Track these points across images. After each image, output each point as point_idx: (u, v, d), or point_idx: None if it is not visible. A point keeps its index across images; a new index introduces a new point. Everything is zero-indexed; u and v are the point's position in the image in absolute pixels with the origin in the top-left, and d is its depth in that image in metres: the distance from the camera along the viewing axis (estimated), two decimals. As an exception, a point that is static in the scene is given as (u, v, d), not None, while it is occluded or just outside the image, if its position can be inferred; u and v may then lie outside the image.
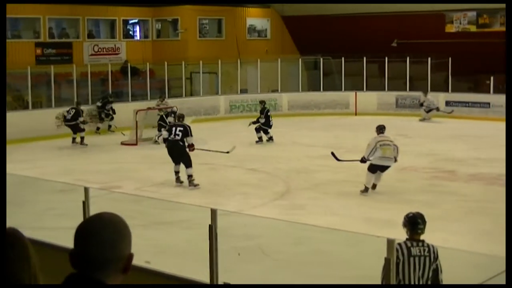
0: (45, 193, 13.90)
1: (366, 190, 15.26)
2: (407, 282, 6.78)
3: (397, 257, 6.60)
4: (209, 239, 6.69)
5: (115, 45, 33.14)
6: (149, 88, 28.74)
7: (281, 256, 10.55)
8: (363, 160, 15.32)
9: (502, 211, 14.23)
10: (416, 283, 6.78)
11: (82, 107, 23.80)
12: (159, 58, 31.88)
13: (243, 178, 17.44)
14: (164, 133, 17.21)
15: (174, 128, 16.53)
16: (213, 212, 6.68)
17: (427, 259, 6.80)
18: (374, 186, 15.43)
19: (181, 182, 16.48)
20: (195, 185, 16.11)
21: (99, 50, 32.40)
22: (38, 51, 30.24)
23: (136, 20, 35.37)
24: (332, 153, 16.78)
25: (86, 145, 22.75)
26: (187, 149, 16.33)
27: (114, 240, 2.51)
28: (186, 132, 16.33)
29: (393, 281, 5.83)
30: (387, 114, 29.05)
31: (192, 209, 12.29)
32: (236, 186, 16.42)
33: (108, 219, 2.56)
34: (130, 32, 35.63)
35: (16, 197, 12.96)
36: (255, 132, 22.81)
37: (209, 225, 6.67)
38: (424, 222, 7.09)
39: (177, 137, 16.23)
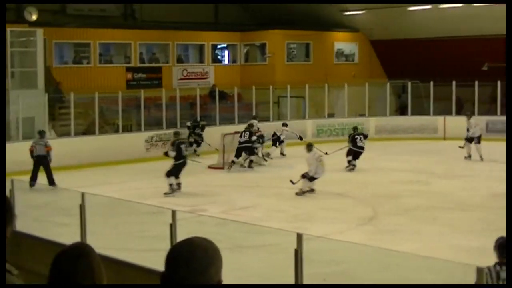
0: (134, 214, 14.13)
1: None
2: None
3: (486, 281, 6.52)
4: (295, 263, 6.65)
5: (203, 69, 33.59)
6: (237, 112, 28.95)
7: (367, 283, 10.42)
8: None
9: None
10: None
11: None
12: (246, 82, 32.12)
13: (329, 203, 17.33)
14: (171, 153, 18.90)
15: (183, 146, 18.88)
16: (299, 237, 6.64)
17: None
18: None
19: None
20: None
21: (188, 74, 32.89)
22: (129, 75, 30.90)
23: (224, 45, 35.79)
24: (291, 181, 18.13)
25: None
26: None
27: (204, 266, 2.51)
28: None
29: None
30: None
31: (277, 233, 12.27)
32: (322, 210, 16.33)
33: (198, 244, 2.56)
34: (218, 57, 36.06)
35: (105, 218, 13.23)
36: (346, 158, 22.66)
37: (295, 250, 6.63)
38: None
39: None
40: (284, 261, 7.51)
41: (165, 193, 18.41)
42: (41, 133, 20.16)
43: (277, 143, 25.92)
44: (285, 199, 17.74)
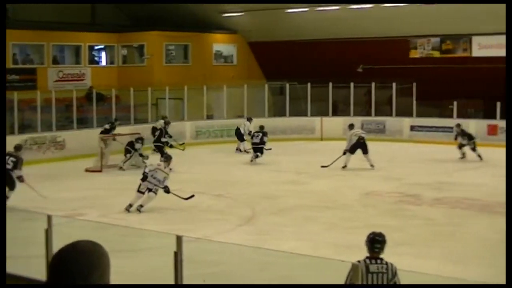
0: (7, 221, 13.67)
1: None
2: None
3: (354, 271, 6.98)
4: (175, 265, 6.63)
5: (80, 71, 32.98)
6: (115, 114, 28.56)
7: (247, 283, 10.46)
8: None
9: (467, 234, 14.37)
10: None
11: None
12: (125, 84, 31.70)
13: (209, 204, 17.34)
14: None
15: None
16: (179, 239, 6.63)
17: (385, 275, 7.16)
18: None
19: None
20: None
21: (64, 76, 32.20)
22: (1, 77, 29.97)
23: (101, 46, 35.25)
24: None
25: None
26: None
27: (86, 271, 2.43)
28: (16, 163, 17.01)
29: None
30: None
31: (157, 236, 12.19)
32: (202, 212, 16.32)
33: (82, 249, 2.48)
34: (96, 58, 35.48)
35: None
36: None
37: (174, 252, 6.61)
38: (383, 241, 7.48)
39: (8, 166, 16.83)
40: (164, 263, 7.47)
41: None
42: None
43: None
44: (164, 201, 17.60)
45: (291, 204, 17.21)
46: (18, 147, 17.55)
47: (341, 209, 16.44)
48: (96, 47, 35.15)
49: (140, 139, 23.14)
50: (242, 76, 34.91)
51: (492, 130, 27.82)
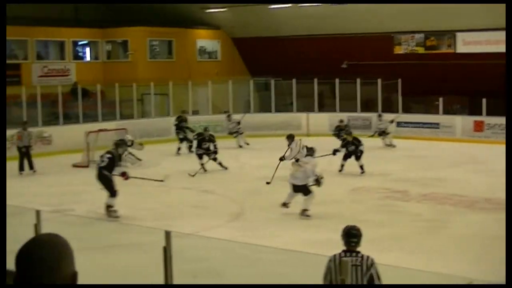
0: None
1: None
2: None
3: (329, 266, 7.17)
4: (164, 261, 6.62)
5: (64, 66, 32.88)
6: (100, 110, 28.50)
7: (235, 279, 10.48)
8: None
9: (454, 230, 14.44)
10: None
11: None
12: (109, 80, 31.65)
13: (196, 200, 17.34)
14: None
15: (101, 156, 16.11)
16: (168, 234, 6.62)
17: (359, 268, 7.14)
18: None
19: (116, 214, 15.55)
20: (116, 217, 15.27)
21: (49, 71, 32.09)
22: (-15, 72, 29.82)
23: (85, 42, 35.13)
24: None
25: None
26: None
27: (55, 262, 2.48)
28: (113, 161, 15.62)
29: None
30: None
31: (146, 231, 12.18)
32: (189, 208, 16.32)
33: (46, 241, 2.53)
34: (80, 54, 35.36)
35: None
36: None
37: (164, 247, 6.61)
38: (359, 235, 7.53)
39: (101, 164, 15.68)
40: (153, 259, 7.46)
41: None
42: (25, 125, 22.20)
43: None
44: (152, 196, 17.60)
45: (278, 200, 17.21)
46: (120, 143, 16.48)
47: (329, 205, 16.45)
48: (80, 43, 35.05)
49: (119, 144, 22.90)
50: (227, 72, 34.91)
51: (478, 126, 27.95)
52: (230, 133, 27.97)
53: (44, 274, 2.46)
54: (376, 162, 22.95)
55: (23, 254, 2.51)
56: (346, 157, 21.06)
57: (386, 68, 31.01)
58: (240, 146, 27.53)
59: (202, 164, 21.16)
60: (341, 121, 26.68)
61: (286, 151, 19.11)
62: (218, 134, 28.35)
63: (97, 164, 15.95)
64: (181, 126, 26.21)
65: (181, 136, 25.91)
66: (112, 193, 15.46)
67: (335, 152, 21.06)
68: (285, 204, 15.54)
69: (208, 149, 21.53)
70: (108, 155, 15.66)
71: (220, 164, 21.44)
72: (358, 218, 14.75)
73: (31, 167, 21.82)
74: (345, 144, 21.23)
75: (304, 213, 15.13)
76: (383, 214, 15.47)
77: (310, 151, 16.25)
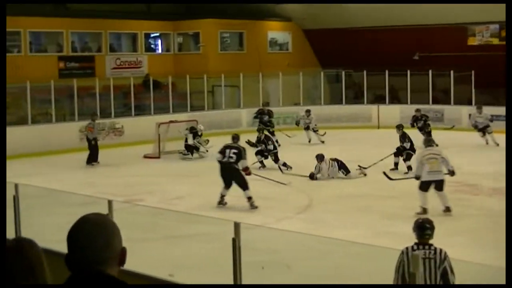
0: (67, 205, 13.91)
1: (423, 211, 14.11)
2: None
3: (402, 259, 7.03)
4: (233, 252, 6.63)
5: (137, 59, 33.32)
6: (171, 101, 28.80)
7: (303, 270, 10.48)
8: (416, 177, 14.78)
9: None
10: (422, 283, 6.99)
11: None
12: (180, 72, 31.95)
13: (266, 192, 17.34)
14: (218, 155, 15.72)
15: (228, 150, 15.56)
16: (237, 226, 6.63)
17: (432, 261, 7.06)
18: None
19: (225, 203, 15.65)
20: (255, 207, 15.29)
21: (121, 63, 32.57)
22: (61, 64, 30.45)
23: (157, 34, 35.52)
24: (384, 173, 17.30)
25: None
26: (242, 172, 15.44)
27: (107, 240, 2.62)
28: (240, 154, 15.42)
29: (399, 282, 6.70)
30: (409, 127, 28.82)
31: (215, 222, 12.25)
32: (258, 199, 16.32)
33: (96, 221, 2.66)
34: (152, 46, 35.78)
35: (39, 209, 13.01)
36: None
37: (233, 239, 6.62)
38: (432, 228, 7.40)
39: (231, 160, 15.42)
40: (221, 250, 7.50)
41: None
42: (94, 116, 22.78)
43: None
44: (221, 188, 17.71)
45: (348, 192, 17.15)
46: (236, 137, 16.25)
47: (398, 198, 16.29)
48: (152, 35, 35.45)
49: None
50: (297, 63, 34.79)
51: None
52: (306, 129, 26.87)
53: (98, 254, 2.59)
54: (447, 155, 22.50)
55: (75, 234, 2.63)
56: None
57: (459, 60, 30.47)
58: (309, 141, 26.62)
59: (261, 161, 21.00)
60: (418, 110, 25.89)
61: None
62: (288, 126, 28.48)
63: (221, 160, 15.46)
64: (260, 119, 26.29)
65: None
66: (247, 186, 15.36)
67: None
68: (424, 210, 14.28)
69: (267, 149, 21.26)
70: (234, 150, 15.42)
71: (279, 166, 20.64)
72: (430, 212, 14.58)
73: (96, 158, 22.04)
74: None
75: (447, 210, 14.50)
76: (454, 208, 15.21)
77: (429, 142, 15.64)
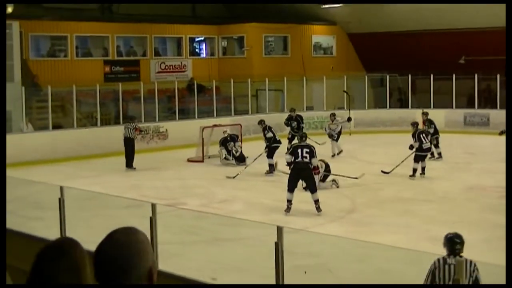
0: (111, 208, 14.06)
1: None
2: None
3: (434, 265, 7.17)
4: (275, 256, 6.64)
5: (181, 63, 33.51)
6: (215, 105, 28.93)
7: (345, 274, 10.45)
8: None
9: None
10: None
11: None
12: (224, 76, 32.09)
13: (308, 196, 17.30)
14: (287, 157, 15.44)
15: (300, 150, 15.26)
16: (279, 230, 6.64)
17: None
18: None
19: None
20: (320, 210, 15.14)
21: (166, 67, 32.80)
22: (107, 68, 30.77)
23: (202, 38, 35.69)
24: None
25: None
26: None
27: (128, 262, 2.53)
28: (312, 153, 15.20)
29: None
30: (454, 132, 28.60)
31: (257, 226, 12.26)
32: (301, 203, 16.30)
33: (121, 242, 2.57)
34: (196, 50, 35.96)
35: (83, 212, 13.17)
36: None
37: (275, 243, 6.63)
38: (462, 242, 7.44)
39: (305, 159, 15.08)
40: (263, 254, 7.51)
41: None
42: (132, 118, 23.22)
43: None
44: (264, 192, 17.74)
45: (392, 196, 17.06)
46: (305, 135, 16.35)
47: (441, 203, 16.16)
48: (196, 39, 35.62)
49: (230, 140, 23.06)
50: (342, 67, 34.70)
51: None
52: (331, 136, 24.75)
53: (117, 273, 2.51)
54: (491, 160, 22.27)
55: (99, 256, 2.55)
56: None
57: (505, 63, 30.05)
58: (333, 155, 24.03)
59: (271, 165, 20.44)
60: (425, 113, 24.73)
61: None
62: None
63: (296, 160, 15.16)
64: (289, 124, 25.69)
65: (289, 136, 25.32)
66: (316, 188, 15.36)
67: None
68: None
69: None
70: (307, 149, 15.24)
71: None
72: (470, 217, 14.47)
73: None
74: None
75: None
76: (499, 214, 15.01)
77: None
